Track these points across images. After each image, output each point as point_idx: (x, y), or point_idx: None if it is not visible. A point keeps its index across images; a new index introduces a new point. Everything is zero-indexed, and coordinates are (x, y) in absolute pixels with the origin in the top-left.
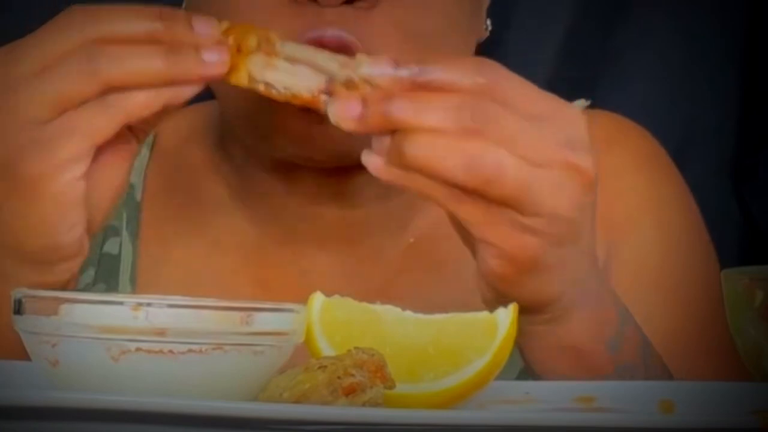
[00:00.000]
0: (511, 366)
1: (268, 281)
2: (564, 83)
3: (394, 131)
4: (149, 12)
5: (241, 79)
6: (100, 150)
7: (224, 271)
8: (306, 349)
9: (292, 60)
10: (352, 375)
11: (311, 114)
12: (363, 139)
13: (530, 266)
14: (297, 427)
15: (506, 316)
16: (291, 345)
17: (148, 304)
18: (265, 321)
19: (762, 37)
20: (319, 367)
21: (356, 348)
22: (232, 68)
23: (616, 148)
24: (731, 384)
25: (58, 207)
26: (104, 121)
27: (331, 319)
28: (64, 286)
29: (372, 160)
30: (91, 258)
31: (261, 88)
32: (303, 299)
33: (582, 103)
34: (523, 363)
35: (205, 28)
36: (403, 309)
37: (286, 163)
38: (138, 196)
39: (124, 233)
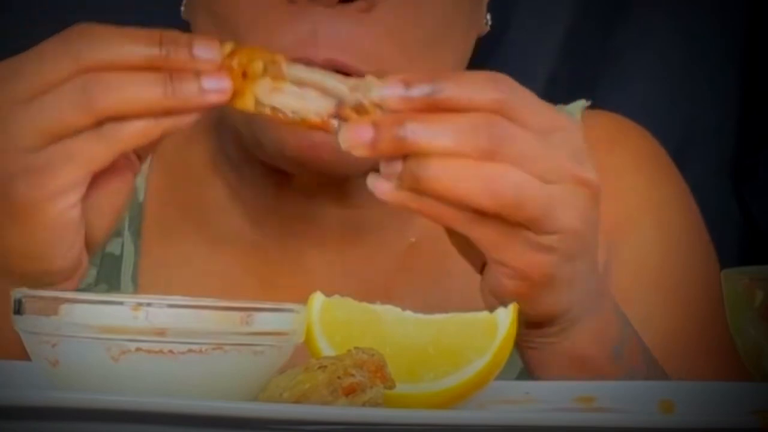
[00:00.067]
0: (511, 366)
1: (269, 281)
2: (564, 83)
3: (406, 155)
4: (149, 36)
5: (247, 104)
6: (100, 172)
7: (225, 271)
8: (306, 349)
9: (299, 83)
10: (352, 375)
11: (312, 132)
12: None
13: (545, 283)
14: (297, 427)
15: (506, 316)
16: (291, 345)
17: (148, 304)
18: (265, 321)
19: (762, 37)
20: (319, 367)
21: (356, 348)
22: (238, 93)
23: (617, 148)
24: (731, 384)
25: (52, 234)
26: (101, 150)
27: (331, 319)
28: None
29: (380, 185)
30: (93, 258)
31: (268, 112)
32: (304, 298)
33: (582, 103)
34: (527, 370)
35: (206, 52)
36: (404, 309)
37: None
38: (140, 196)
39: (126, 233)
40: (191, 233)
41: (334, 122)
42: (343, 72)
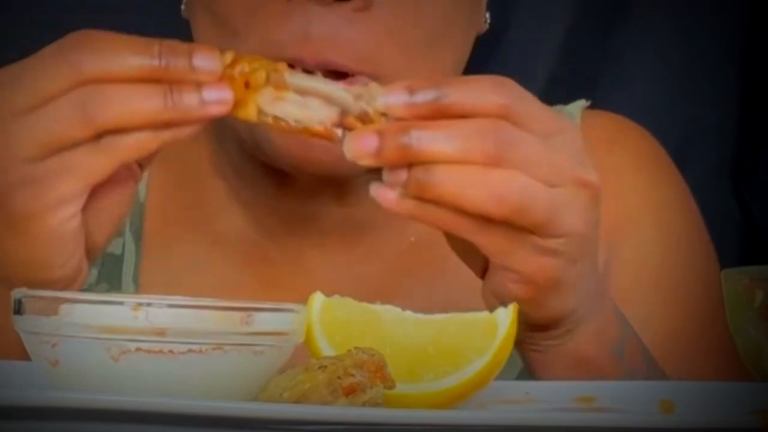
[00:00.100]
0: (511, 366)
1: (269, 280)
2: (564, 83)
3: (411, 163)
4: (148, 45)
5: (249, 114)
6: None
7: (226, 271)
8: (306, 349)
9: (302, 92)
10: (352, 375)
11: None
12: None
13: (551, 287)
14: (297, 427)
15: (506, 316)
16: (291, 345)
17: (148, 304)
18: (265, 321)
19: (762, 37)
20: (319, 367)
21: (356, 348)
22: (240, 103)
23: (617, 148)
24: (731, 384)
25: (51, 244)
26: (100, 162)
27: (331, 319)
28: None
29: (383, 194)
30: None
31: (270, 121)
32: (304, 298)
33: (582, 103)
34: (530, 372)
35: (207, 62)
36: (404, 309)
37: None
38: (141, 196)
39: (127, 233)
40: (192, 233)
41: (338, 131)
42: (338, 72)
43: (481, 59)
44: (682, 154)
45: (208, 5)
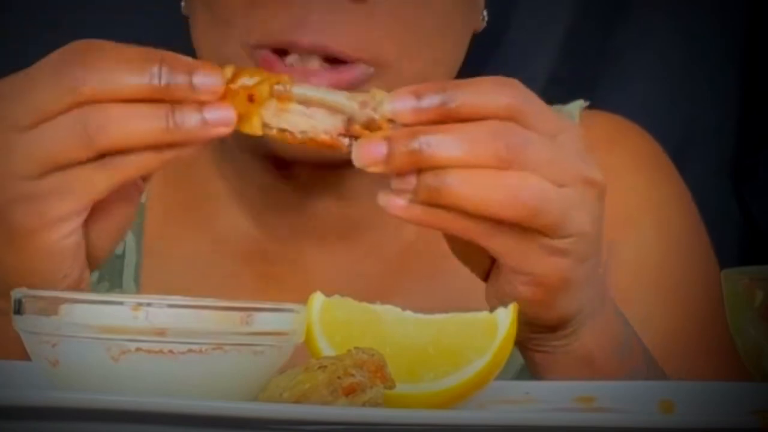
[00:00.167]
0: (510, 365)
1: (270, 278)
2: (564, 83)
3: (420, 169)
4: (148, 62)
5: (254, 127)
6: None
7: (227, 269)
8: (306, 349)
9: (306, 102)
10: (352, 375)
11: None
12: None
13: (561, 287)
14: (297, 427)
15: (506, 316)
16: (291, 345)
17: (148, 304)
18: (265, 321)
19: (762, 37)
20: (319, 367)
21: (356, 348)
22: (244, 117)
23: (616, 148)
24: (731, 384)
25: (50, 260)
26: (101, 181)
27: (331, 319)
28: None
29: (393, 202)
30: None
31: (275, 133)
32: (305, 296)
33: (580, 103)
34: (533, 373)
35: (208, 81)
36: (404, 308)
37: (280, 159)
38: (142, 197)
39: (128, 233)
40: (193, 232)
41: (345, 140)
42: (332, 58)
43: (481, 59)
44: (682, 154)
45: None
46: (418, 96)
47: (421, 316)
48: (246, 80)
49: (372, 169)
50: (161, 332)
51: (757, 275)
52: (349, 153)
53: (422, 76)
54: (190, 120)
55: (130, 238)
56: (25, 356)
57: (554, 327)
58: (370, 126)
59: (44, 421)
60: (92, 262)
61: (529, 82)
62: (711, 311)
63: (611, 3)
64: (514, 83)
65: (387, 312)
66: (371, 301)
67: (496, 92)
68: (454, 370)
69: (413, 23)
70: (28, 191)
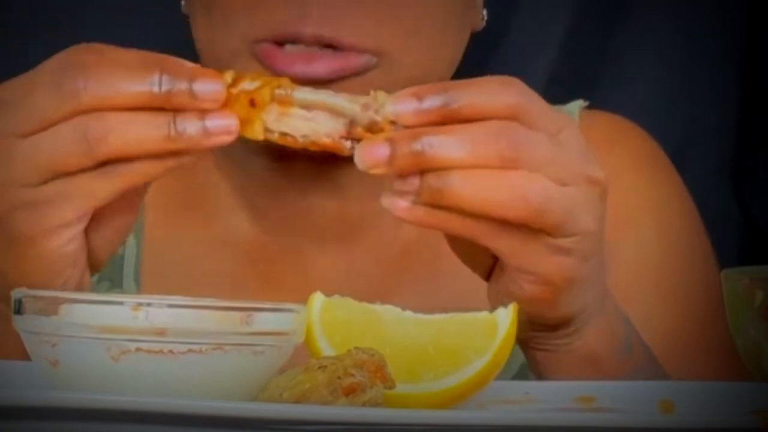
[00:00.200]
0: (509, 365)
1: (270, 278)
2: (564, 83)
3: (423, 171)
4: (149, 69)
5: (256, 132)
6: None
7: (227, 269)
8: (306, 349)
9: (307, 106)
10: (352, 375)
11: None
12: None
13: (566, 286)
14: (297, 427)
15: (506, 316)
16: (291, 345)
17: (148, 304)
18: (265, 321)
19: (762, 37)
20: (319, 367)
21: (356, 348)
22: (245, 122)
23: (616, 148)
24: (731, 384)
25: (50, 266)
26: (102, 189)
27: (331, 319)
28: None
29: (395, 203)
30: None
31: (277, 138)
32: (305, 296)
33: (580, 103)
34: (535, 373)
35: (209, 88)
36: (404, 308)
37: (280, 153)
38: None
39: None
40: (193, 231)
41: (347, 143)
42: (333, 46)
43: (482, 59)
44: (682, 154)
45: None
46: (420, 97)
47: (421, 316)
48: (247, 85)
49: (375, 171)
50: (161, 332)
51: (757, 275)
52: (351, 155)
53: (424, 67)
54: (191, 128)
55: (130, 238)
56: (25, 356)
57: (557, 326)
58: (372, 128)
59: (44, 421)
60: (93, 266)
61: (529, 82)
62: (711, 311)
63: (611, 3)
64: (516, 82)
65: (387, 312)
66: (371, 301)
67: (497, 92)
68: (454, 370)
69: (414, 13)
70: (28, 198)
